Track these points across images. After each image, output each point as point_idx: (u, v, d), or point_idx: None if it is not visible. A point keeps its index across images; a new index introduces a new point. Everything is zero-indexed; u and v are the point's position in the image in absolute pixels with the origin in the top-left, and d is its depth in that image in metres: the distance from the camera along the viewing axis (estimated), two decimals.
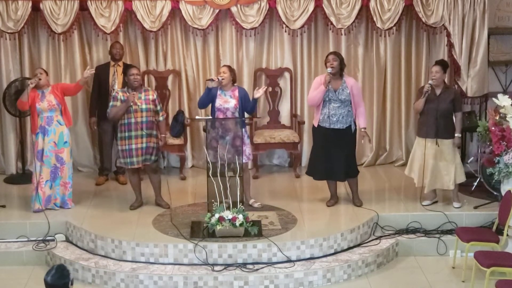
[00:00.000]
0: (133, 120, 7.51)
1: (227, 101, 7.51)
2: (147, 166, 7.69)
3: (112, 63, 8.69)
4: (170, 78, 9.24)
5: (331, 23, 8.77)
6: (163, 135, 7.69)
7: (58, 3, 8.57)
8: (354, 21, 8.76)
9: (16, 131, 9.14)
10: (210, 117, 7.60)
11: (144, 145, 7.56)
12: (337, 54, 7.70)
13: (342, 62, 7.59)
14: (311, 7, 8.70)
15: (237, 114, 7.50)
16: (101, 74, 8.62)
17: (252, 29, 8.86)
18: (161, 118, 7.70)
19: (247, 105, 7.57)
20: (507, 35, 9.19)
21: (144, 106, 7.54)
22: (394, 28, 8.81)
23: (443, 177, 7.61)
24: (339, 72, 7.57)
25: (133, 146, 7.55)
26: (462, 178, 7.70)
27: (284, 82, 9.35)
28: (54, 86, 7.87)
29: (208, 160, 7.27)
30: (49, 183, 7.73)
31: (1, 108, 9.08)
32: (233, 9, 8.74)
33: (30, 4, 8.52)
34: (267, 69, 9.30)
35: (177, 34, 9.15)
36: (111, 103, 7.61)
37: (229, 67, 7.68)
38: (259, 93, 7.52)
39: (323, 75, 7.68)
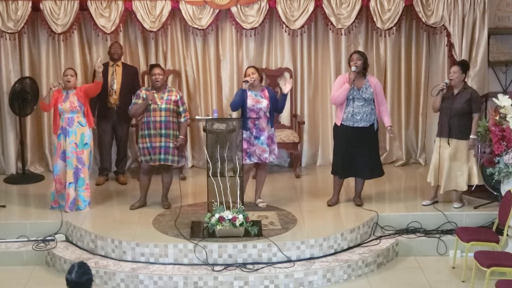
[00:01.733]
0: (151, 118, 7.54)
1: (259, 101, 7.55)
2: (163, 165, 7.70)
3: (110, 63, 8.70)
4: (170, 78, 9.23)
5: (331, 23, 8.77)
6: (181, 137, 7.69)
7: (58, 3, 8.57)
8: (354, 21, 8.77)
9: (16, 131, 9.14)
10: (210, 117, 7.61)
11: (162, 144, 7.56)
12: (361, 53, 7.72)
13: (365, 62, 7.62)
14: (311, 7, 8.71)
15: (268, 114, 7.59)
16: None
17: (252, 29, 8.86)
18: (182, 120, 7.69)
19: (276, 104, 7.66)
20: (507, 35, 9.19)
21: (163, 106, 7.55)
22: (394, 28, 8.81)
23: (457, 177, 7.59)
24: (362, 71, 7.60)
25: (152, 144, 7.56)
26: (476, 180, 7.62)
27: (284, 82, 9.34)
28: (79, 88, 7.84)
29: (208, 160, 7.27)
30: (73, 185, 7.72)
31: (1, 108, 9.10)
32: (233, 9, 8.74)
33: (30, 4, 8.53)
34: (267, 69, 9.30)
35: (177, 34, 9.15)
36: (133, 100, 7.68)
37: (256, 68, 7.72)
38: (287, 88, 7.63)
39: (345, 74, 7.73)
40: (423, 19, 8.67)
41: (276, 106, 7.67)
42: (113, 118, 8.65)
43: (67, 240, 7.42)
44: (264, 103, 7.57)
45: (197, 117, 8.21)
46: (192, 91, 9.30)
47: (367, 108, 7.61)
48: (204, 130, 7.54)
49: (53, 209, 7.75)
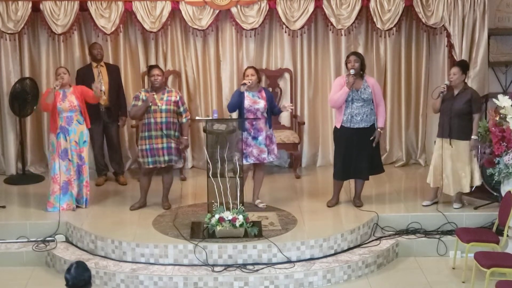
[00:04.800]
0: (152, 120, 7.52)
1: (257, 102, 7.56)
2: (166, 166, 7.69)
3: (94, 64, 8.66)
4: (170, 78, 9.24)
5: (331, 24, 8.77)
6: (185, 137, 7.70)
7: (58, 3, 8.57)
8: (354, 22, 8.77)
9: (16, 131, 9.14)
10: (210, 118, 7.60)
11: (165, 145, 7.56)
12: (358, 54, 7.72)
13: (363, 63, 7.62)
14: (311, 8, 8.71)
15: (265, 115, 7.60)
16: (84, 77, 8.54)
17: (252, 29, 8.86)
18: (184, 120, 7.69)
19: (273, 106, 7.71)
20: (507, 36, 9.19)
21: (164, 107, 7.54)
22: (394, 28, 8.81)
23: (461, 179, 7.59)
24: (360, 72, 7.60)
25: (154, 146, 7.55)
26: (477, 182, 7.63)
27: (284, 83, 9.35)
28: (75, 87, 7.85)
29: (208, 160, 7.27)
30: (76, 182, 7.79)
31: (1, 109, 9.10)
32: (233, 9, 8.74)
33: (30, 4, 8.53)
34: (267, 69, 9.30)
35: (177, 35, 9.15)
36: (132, 102, 7.67)
37: (255, 69, 7.71)
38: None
39: (343, 76, 7.72)
40: (423, 20, 8.67)
41: (272, 108, 7.68)
42: (103, 119, 8.63)
43: (67, 240, 7.42)
44: (262, 104, 7.57)
45: (197, 118, 8.21)
46: (192, 91, 9.31)
47: (367, 109, 7.61)
48: (204, 130, 7.54)
49: (48, 212, 7.72)
